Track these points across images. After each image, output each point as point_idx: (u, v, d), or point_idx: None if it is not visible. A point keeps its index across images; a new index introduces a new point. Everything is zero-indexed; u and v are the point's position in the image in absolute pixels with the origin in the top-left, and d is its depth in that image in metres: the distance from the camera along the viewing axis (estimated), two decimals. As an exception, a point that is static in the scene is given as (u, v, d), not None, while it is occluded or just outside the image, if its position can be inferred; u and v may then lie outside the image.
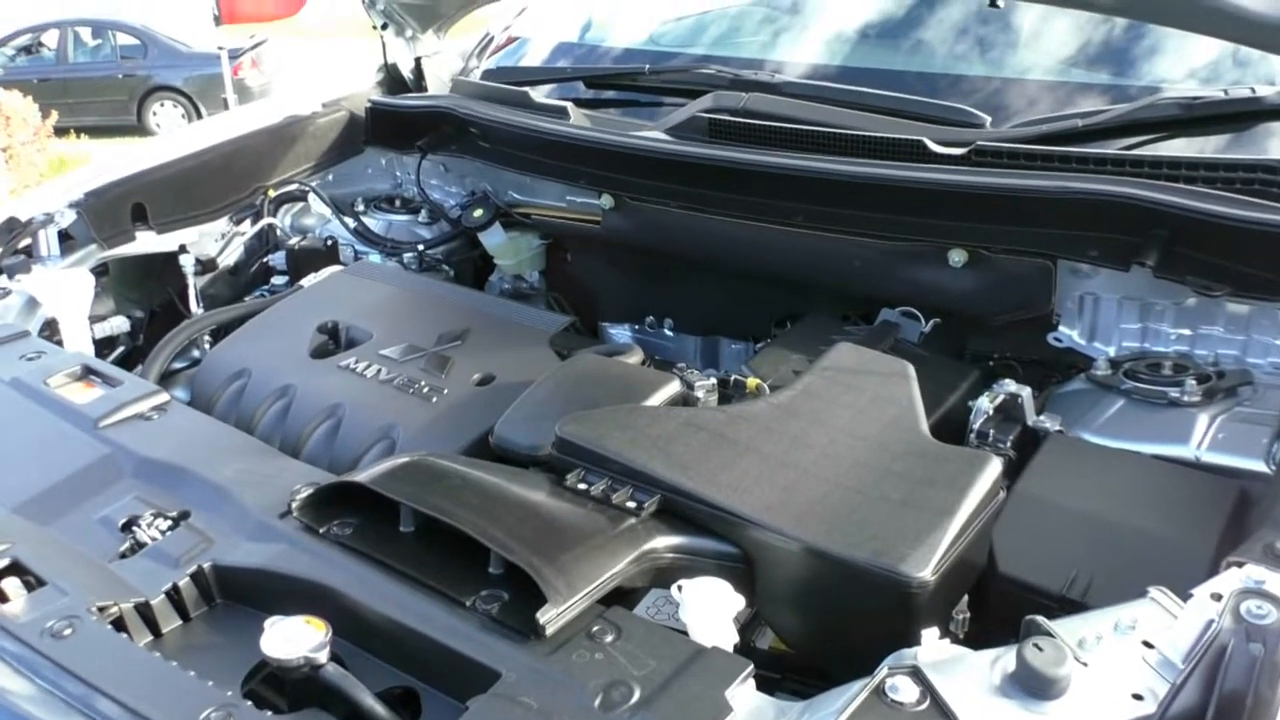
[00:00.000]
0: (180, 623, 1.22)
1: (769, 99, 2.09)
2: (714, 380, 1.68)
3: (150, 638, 1.19)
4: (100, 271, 2.16)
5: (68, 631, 1.10)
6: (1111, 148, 1.79)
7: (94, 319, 2.09)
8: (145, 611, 1.19)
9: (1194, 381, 1.59)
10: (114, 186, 2.18)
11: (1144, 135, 1.82)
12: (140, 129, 12.65)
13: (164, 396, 1.59)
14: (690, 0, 2.67)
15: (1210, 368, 1.66)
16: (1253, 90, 1.77)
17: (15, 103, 9.62)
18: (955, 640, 1.23)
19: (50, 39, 13.46)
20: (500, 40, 2.81)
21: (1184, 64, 1.93)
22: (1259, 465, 1.41)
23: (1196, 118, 1.78)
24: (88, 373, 1.65)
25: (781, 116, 2.03)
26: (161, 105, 13.19)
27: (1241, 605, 0.90)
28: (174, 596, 1.21)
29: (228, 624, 1.22)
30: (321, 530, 1.25)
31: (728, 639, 1.13)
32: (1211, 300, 1.66)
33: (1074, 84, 1.99)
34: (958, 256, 1.83)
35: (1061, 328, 1.83)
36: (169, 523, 1.31)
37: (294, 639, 1.05)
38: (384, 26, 2.63)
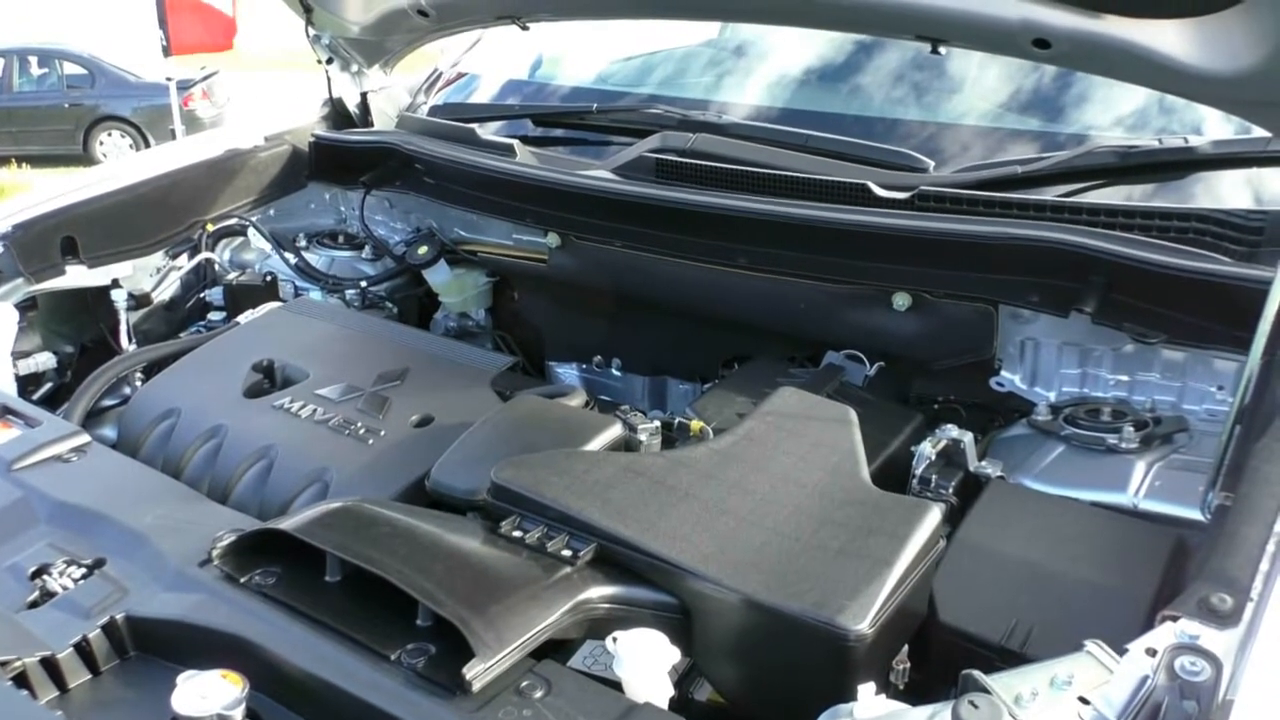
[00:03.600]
0: (89, 677, 1.16)
1: (716, 140, 2.09)
2: (657, 423, 1.65)
3: (55, 694, 1.13)
4: (27, 306, 2.09)
5: (-37, 690, 1.04)
6: (1050, 194, 1.82)
7: (19, 355, 2.02)
8: (51, 665, 1.13)
9: (1132, 428, 1.60)
10: (44, 219, 2.11)
11: (1082, 182, 1.84)
12: (86, 159, 12.43)
13: (84, 438, 1.53)
14: (639, 40, 2.68)
15: (1148, 414, 1.67)
16: (1185, 140, 1.80)
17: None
18: (895, 691, 1.21)
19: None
20: (449, 76, 2.80)
21: (1112, 111, 1.97)
22: (1195, 514, 1.42)
23: (1132, 166, 1.81)
24: (5, 412, 1.59)
25: (728, 158, 2.03)
26: (109, 135, 13.00)
27: (1176, 661, 0.89)
28: (83, 649, 1.15)
29: (140, 678, 1.16)
30: (243, 580, 1.20)
31: (663, 692, 1.11)
32: (1148, 347, 1.68)
33: (1009, 130, 2.02)
34: (901, 300, 1.84)
35: (1004, 372, 1.84)
36: (82, 571, 1.25)
37: (208, 695, 1.01)
38: (329, 61, 2.60)
